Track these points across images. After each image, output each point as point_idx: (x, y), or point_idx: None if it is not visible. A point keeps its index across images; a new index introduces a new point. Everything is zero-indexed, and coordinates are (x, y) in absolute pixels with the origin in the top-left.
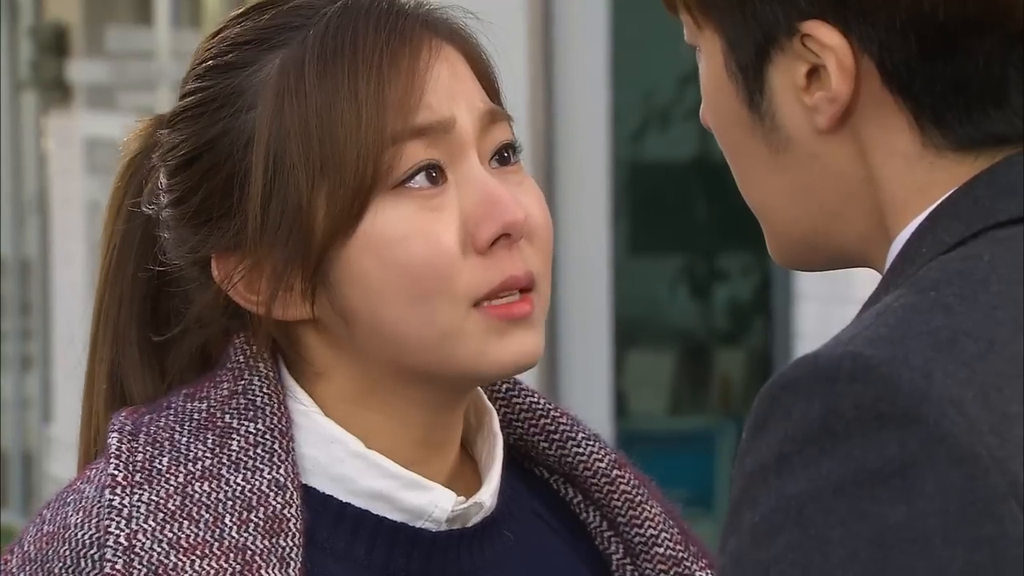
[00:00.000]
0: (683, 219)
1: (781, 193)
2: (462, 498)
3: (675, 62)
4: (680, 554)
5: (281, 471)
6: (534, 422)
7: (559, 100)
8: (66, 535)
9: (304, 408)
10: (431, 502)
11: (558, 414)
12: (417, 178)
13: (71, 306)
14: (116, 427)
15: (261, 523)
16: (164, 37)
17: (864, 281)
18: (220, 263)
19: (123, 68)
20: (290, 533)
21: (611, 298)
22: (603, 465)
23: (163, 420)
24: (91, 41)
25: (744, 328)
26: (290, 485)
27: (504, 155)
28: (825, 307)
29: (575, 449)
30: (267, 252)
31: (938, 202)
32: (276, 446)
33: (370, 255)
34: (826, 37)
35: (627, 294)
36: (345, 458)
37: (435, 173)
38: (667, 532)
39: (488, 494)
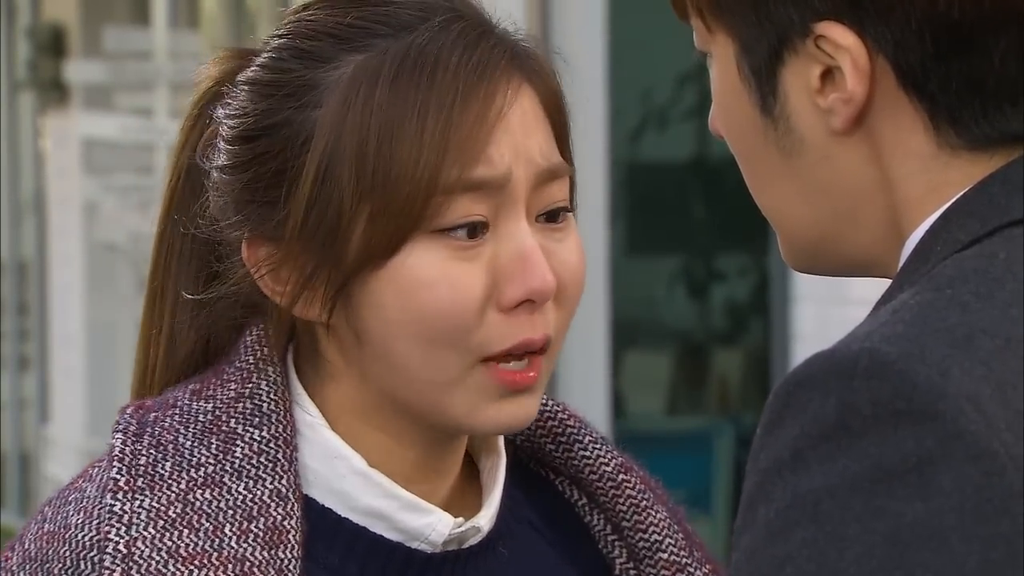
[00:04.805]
0: (681, 219)
1: (794, 197)
2: (460, 519)
3: (673, 62)
4: (683, 560)
5: (283, 481)
6: (541, 424)
7: None
8: (66, 535)
9: (310, 419)
10: (428, 525)
11: (566, 416)
12: (459, 231)
13: (68, 306)
14: (121, 427)
15: (261, 534)
16: (161, 37)
17: (862, 282)
18: (251, 248)
19: (120, 68)
20: (289, 545)
21: (609, 298)
22: (609, 469)
23: (168, 420)
24: (88, 41)
25: (742, 329)
26: (291, 496)
27: (552, 213)
28: (823, 308)
29: (581, 452)
30: (299, 253)
31: (952, 200)
32: (280, 456)
33: (395, 290)
34: (841, 38)
35: (625, 295)
36: (347, 474)
37: (477, 227)
38: (671, 537)
39: (486, 518)
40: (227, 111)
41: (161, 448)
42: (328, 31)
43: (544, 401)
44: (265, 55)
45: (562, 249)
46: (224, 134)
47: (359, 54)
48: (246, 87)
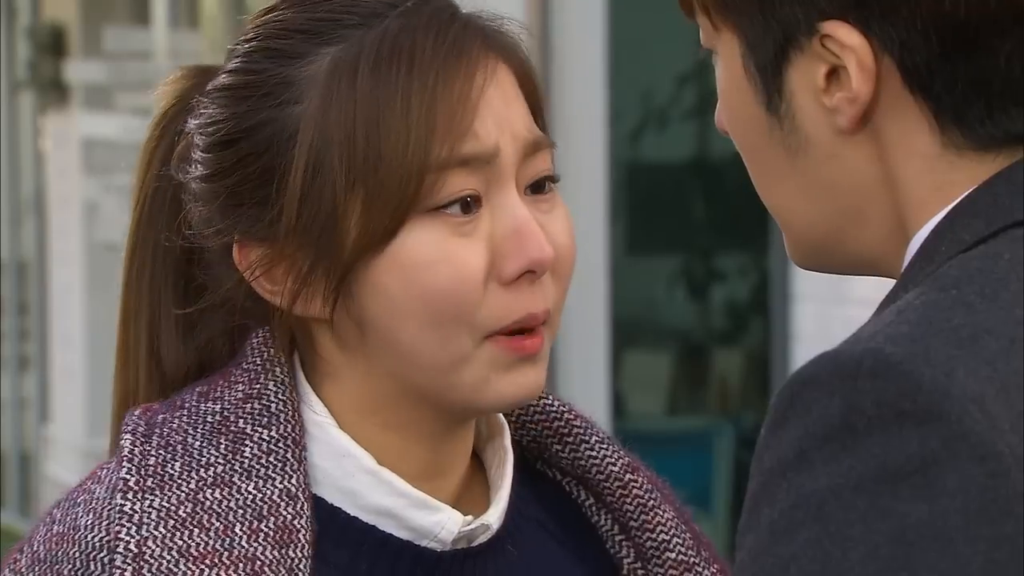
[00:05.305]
0: (681, 219)
1: (799, 195)
2: (469, 517)
3: (673, 62)
4: (691, 559)
5: (293, 481)
6: (548, 424)
7: (557, 100)
8: (76, 536)
9: (319, 418)
10: (438, 523)
11: (572, 416)
12: (453, 207)
13: (68, 306)
14: (129, 428)
15: (271, 533)
16: (162, 37)
17: (862, 282)
18: (243, 251)
19: (121, 68)
20: (299, 544)
21: (609, 298)
22: (616, 469)
23: (176, 422)
24: (88, 41)
25: (742, 328)
26: (301, 496)
27: (539, 184)
28: (823, 307)
29: (588, 452)
30: (294, 251)
31: (957, 201)
32: (289, 455)
33: (396, 274)
34: (846, 37)
35: (625, 294)
36: (355, 473)
37: (471, 202)
38: (679, 537)
39: (495, 516)
40: (200, 121)
41: (170, 448)
42: (297, 28)
43: (551, 401)
44: (234, 61)
45: (552, 220)
46: (200, 144)
47: (332, 46)
48: (218, 94)
